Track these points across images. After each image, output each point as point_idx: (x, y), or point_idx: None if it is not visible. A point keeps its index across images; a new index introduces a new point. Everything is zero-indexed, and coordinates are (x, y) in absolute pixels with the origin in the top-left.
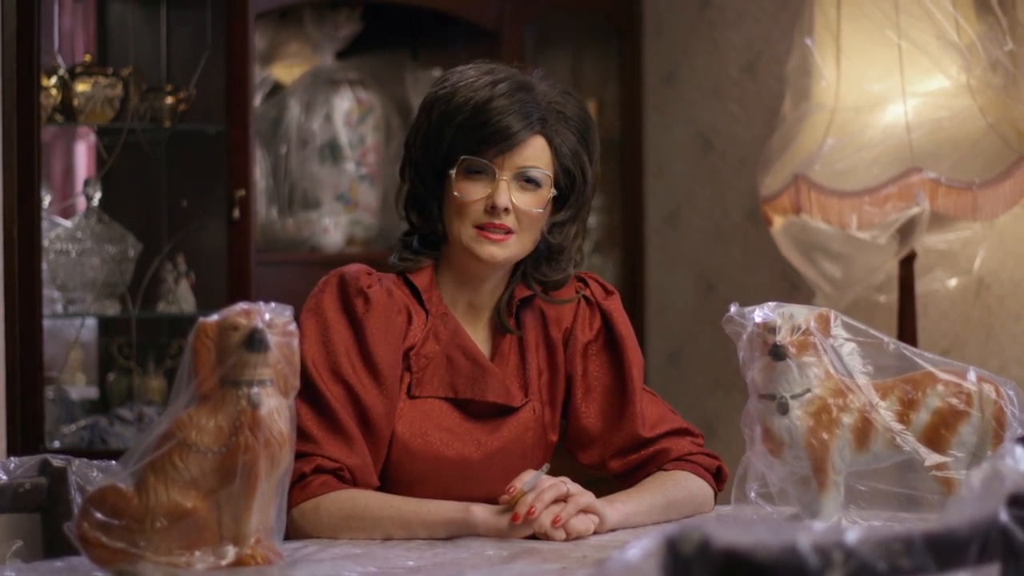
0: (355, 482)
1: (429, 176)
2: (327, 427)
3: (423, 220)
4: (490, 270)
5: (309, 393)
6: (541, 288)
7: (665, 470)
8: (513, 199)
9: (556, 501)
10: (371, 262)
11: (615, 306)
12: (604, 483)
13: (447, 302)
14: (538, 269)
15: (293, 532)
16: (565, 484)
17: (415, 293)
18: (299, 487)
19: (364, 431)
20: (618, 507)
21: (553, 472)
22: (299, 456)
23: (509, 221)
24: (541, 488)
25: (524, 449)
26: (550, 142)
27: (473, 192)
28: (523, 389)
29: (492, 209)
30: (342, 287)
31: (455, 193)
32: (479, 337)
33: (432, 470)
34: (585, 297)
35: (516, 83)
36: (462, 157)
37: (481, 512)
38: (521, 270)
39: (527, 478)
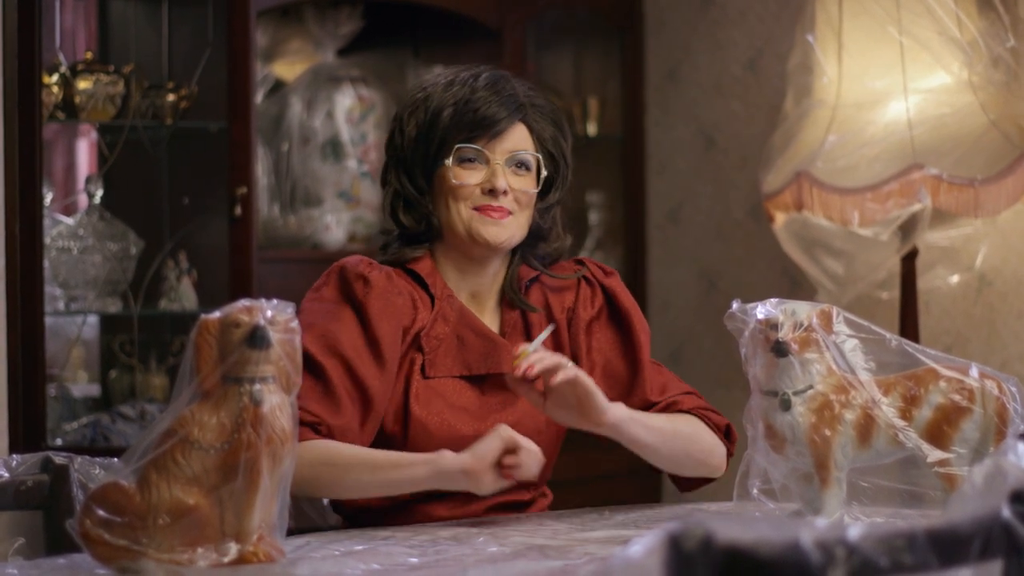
0: (333, 439)
1: (419, 174)
2: (316, 389)
3: (415, 219)
4: (491, 253)
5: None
6: (542, 264)
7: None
8: (508, 182)
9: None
10: (374, 258)
11: (616, 283)
12: (599, 481)
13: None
14: (535, 248)
15: None
16: (567, 362)
17: (418, 281)
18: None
19: (361, 405)
20: (622, 407)
21: (569, 454)
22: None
23: (507, 203)
24: (543, 352)
25: (538, 425)
26: (531, 129)
27: (469, 178)
28: None
29: (491, 192)
30: (342, 275)
31: (452, 180)
32: (486, 321)
33: (449, 448)
34: (585, 278)
35: (493, 76)
36: (457, 146)
37: (450, 455)
38: (519, 254)
39: (535, 342)
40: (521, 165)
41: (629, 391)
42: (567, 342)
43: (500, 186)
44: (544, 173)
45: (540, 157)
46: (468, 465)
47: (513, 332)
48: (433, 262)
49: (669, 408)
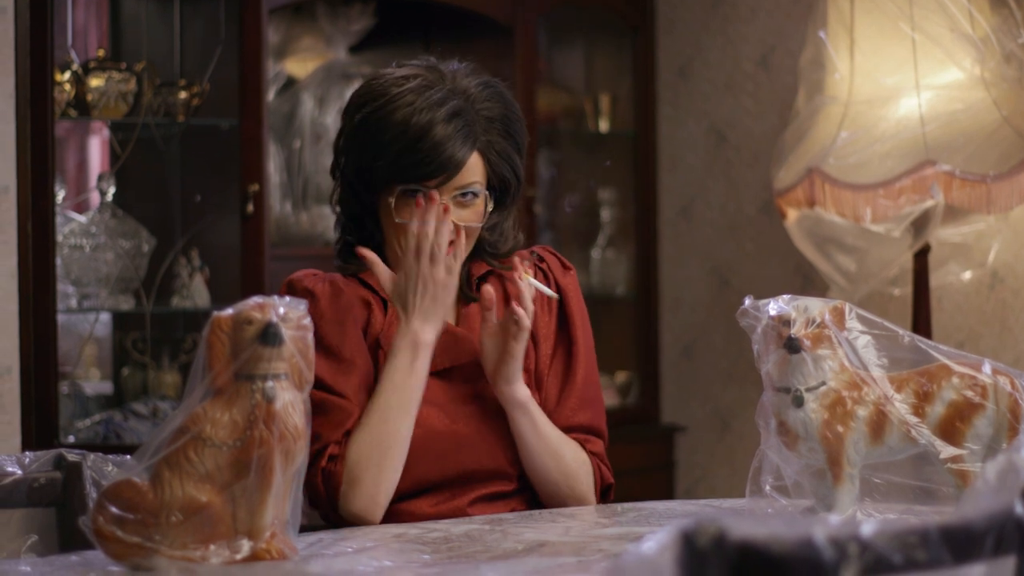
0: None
1: (362, 189)
2: (322, 418)
3: (359, 232)
4: None
5: None
6: (495, 259)
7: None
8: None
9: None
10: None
11: (572, 283)
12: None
13: None
14: (484, 250)
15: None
16: (527, 328)
17: (369, 288)
18: (331, 481)
19: (350, 408)
20: (525, 393)
21: None
22: (313, 459)
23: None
24: (527, 296)
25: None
26: (484, 156)
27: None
28: None
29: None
30: (290, 292)
31: (396, 219)
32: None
33: (424, 445)
34: (541, 269)
35: (454, 106)
36: (399, 188)
37: (426, 334)
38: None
39: (539, 284)
40: (467, 194)
41: (552, 406)
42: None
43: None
44: (490, 207)
45: (488, 194)
46: (431, 333)
47: (473, 329)
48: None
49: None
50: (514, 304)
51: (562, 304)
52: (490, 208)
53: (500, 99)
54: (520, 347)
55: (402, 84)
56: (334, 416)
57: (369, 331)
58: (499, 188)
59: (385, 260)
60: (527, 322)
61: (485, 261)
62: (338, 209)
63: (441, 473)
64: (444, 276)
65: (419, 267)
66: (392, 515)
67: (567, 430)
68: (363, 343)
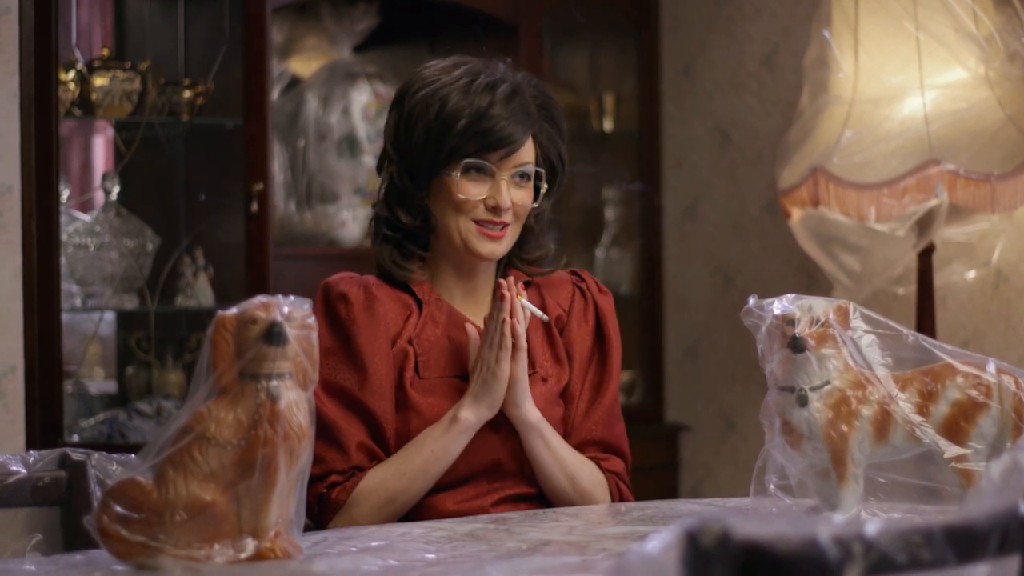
0: (363, 474)
1: (421, 175)
2: (331, 443)
3: (412, 216)
4: (485, 263)
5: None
6: (527, 265)
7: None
8: (511, 196)
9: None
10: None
11: (609, 305)
12: None
13: (443, 291)
14: (521, 249)
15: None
16: (523, 347)
17: (406, 289)
18: (325, 507)
19: (370, 429)
20: (536, 414)
21: None
22: (312, 480)
23: (507, 217)
24: (519, 316)
25: None
26: (536, 139)
27: (474, 192)
28: (530, 363)
29: (495, 209)
30: (326, 297)
31: (458, 195)
32: (479, 322)
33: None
34: (579, 288)
35: (511, 87)
36: (465, 161)
37: (465, 411)
38: (507, 256)
39: (528, 305)
40: (523, 176)
41: (578, 420)
42: (560, 342)
43: (504, 204)
44: (543, 188)
45: (541, 171)
46: (485, 414)
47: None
48: (424, 265)
49: (594, 461)
50: (513, 322)
51: (599, 325)
52: (543, 188)
53: (543, 90)
54: (521, 368)
55: (451, 71)
56: (345, 444)
57: (402, 333)
58: (549, 175)
59: (439, 244)
60: (523, 343)
61: (521, 270)
62: (384, 213)
63: (469, 467)
64: (496, 365)
65: (483, 352)
66: (416, 509)
67: (587, 443)
68: (390, 356)
